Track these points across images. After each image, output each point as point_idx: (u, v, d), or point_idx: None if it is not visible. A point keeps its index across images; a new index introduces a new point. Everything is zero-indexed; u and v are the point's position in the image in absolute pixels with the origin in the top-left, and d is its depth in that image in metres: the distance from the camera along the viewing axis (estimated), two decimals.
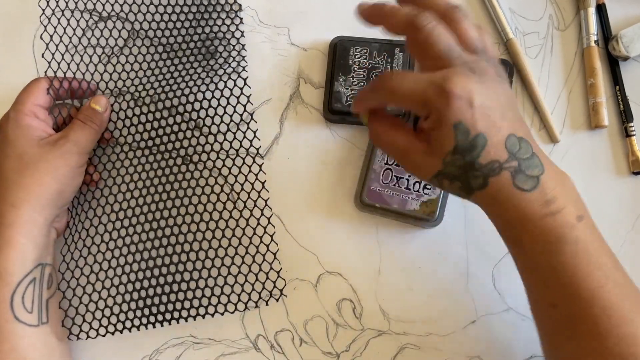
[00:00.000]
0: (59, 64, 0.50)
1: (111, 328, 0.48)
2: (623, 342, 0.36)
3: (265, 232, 0.49)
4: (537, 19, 0.53)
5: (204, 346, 0.50)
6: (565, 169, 0.51)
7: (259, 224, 0.49)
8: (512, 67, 0.51)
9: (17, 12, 0.55)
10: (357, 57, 0.50)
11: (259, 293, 0.49)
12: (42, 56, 0.50)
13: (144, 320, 0.48)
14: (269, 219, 0.49)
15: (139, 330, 0.48)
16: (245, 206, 0.49)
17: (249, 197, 0.49)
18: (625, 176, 0.51)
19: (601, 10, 0.53)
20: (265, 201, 0.49)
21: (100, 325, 0.48)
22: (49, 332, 0.44)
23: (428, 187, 0.49)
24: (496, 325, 0.49)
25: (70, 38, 0.52)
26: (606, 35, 0.52)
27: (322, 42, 0.53)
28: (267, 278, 0.49)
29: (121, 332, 0.48)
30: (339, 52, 0.51)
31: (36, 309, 0.43)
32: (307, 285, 0.50)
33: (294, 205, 0.51)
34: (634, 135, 0.51)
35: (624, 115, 0.51)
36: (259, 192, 0.49)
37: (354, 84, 0.50)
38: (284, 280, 0.50)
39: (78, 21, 0.52)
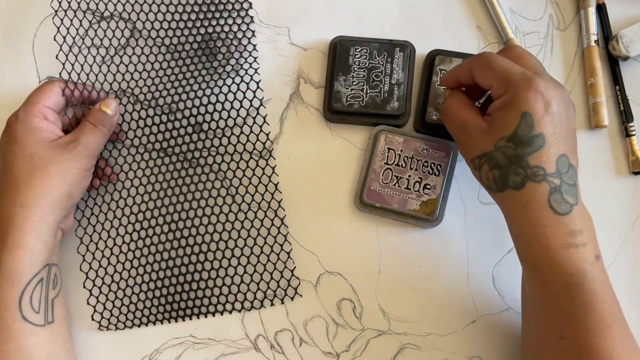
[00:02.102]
0: (72, 65, 0.51)
1: (133, 322, 0.50)
2: None
3: (279, 232, 0.50)
4: (537, 18, 0.53)
5: (204, 346, 0.50)
6: None
7: (272, 224, 0.50)
8: None
9: (16, 11, 0.54)
10: (357, 57, 0.50)
11: (274, 291, 0.49)
12: (57, 57, 0.51)
13: (165, 316, 0.50)
14: (282, 219, 0.50)
15: (155, 325, 0.50)
16: (259, 207, 0.50)
17: (262, 199, 0.50)
18: (625, 176, 0.51)
19: (601, 10, 0.53)
20: (279, 202, 0.50)
21: (123, 319, 0.50)
22: (54, 331, 0.44)
23: (428, 187, 0.49)
24: (496, 325, 0.49)
25: (74, 38, 0.52)
26: (606, 35, 0.52)
27: (322, 42, 0.53)
28: (282, 276, 0.49)
29: (138, 326, 0.50)
30: (339, 51, 0.51)
31: (43, 308, 0.43)
32: (307, 285, 0.50)
33: (294, 205, 0.51)
34: (634, 135, 0.51)
35: (624, 115, 0.51)
36: (272, 194, 0.50)
37: (353, 83, 0.50)
38: (298, 279, 0.50)
39: (81, 22, 0.53)
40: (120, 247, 0.50)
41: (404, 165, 0.49)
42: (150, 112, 0.51)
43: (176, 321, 0.50)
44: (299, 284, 0.50)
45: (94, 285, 0.50)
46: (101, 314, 0.50)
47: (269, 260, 0.50)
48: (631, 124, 0.51)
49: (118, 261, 0.50)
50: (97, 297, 0.50)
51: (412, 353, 0.49)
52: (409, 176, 0.49)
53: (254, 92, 0.52)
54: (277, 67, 0.53)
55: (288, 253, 0.50)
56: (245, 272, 0.50)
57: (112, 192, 0.51)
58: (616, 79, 0.52)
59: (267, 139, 0.51)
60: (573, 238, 0.38)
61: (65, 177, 0.44)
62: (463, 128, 0.42)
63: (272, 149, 0.51)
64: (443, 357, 0.49)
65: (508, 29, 0.52)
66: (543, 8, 0.53)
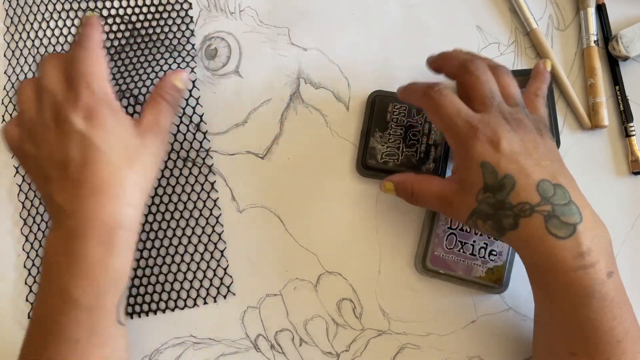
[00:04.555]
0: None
1: None
2: None
3: (213, 230, 0.50)
4: (537, 18, 0.53)
5: (204, 346, 0.50)
6: None
7: (207, 222, 0.50)
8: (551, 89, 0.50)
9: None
10: (395, 114, 0.50)
11: (207, 289, 0.50)
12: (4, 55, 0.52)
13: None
14: (217, 218, 0.50)
15: None
16: (195, 206, 0.51)
17: (198, 197, 0.51)
18: (625, 176, 0.51)
19: (601, 10, 0.53)
20: (214, 201, 0.50)
21: None
22: (125, 332, 0.42)
23: (494, 253, 0.47)
24: (496, 325, 0.49)
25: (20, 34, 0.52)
26: (606, 35, 0.52)
27: (321, 42, 0.53)
28: (215, 275, 0.50)
29: None
30: (377, 107, 0.50)
31: (123, 309, 0.41)
32: (307, 285, 0.50)
33: (294, 205, 0.51)
34: (634, 135, 0.51)
35: (624, 115, 0.51)
36: (208, 192, 0.51)
37: (390, 141, 0.49)
38: (231, 277, 0.50)
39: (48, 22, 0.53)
40: None
41: (468, 230, 0.48)
42: None
43: (132, 318, 0.50)
44: (232, 282, 0.50)
45: (35, 282, 0.50)
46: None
47: (202, 258, 0.50)
48: (631, 124, 0.51)
49: None
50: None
51: (412, 353, 0.49)
52: (474, 242, 0.48)
53: (190, 91, 0.52)
54: (277, 67, 0.53)
55: (222, 252, 0.50)
56: (179, 270, 0.50)
57: None
58: (616, 79, 0.52)
59: (204, 137, 0.51)
60: (581, 260, 0.37)
61: (157, 167, 0.41)
62: (441, 198, 0.42)
63: (209, 147, 0.51)
64: (443, 357, 0.49)
65: (531, 19, 0.52)
66: (543, 8, 0.53)
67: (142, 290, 0.50)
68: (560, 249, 0.38)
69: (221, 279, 0.50)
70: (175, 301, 0.50)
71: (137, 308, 0.50)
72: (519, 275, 0.49)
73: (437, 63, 0.45)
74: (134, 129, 0.40)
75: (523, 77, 0.47)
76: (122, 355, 0.41)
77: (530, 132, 0.40)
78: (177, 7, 0.53)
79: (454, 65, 0.43)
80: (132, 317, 0.50)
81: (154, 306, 0.50)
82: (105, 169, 0.38)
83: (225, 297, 0.50)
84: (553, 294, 0.39)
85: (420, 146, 0.49)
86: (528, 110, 0.42)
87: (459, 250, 0.48)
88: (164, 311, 0.50)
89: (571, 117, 0.52)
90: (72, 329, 0.37)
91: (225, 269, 0.50)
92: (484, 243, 0.48)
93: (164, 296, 0.50)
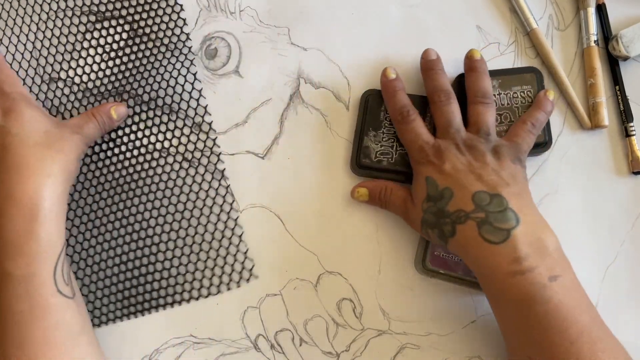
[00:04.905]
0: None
1: (95, 321, 0.50)
2: None
3: (229, 217, 0.51)
4: (537, 18, 0.53)
5: (204, 346, 0.50)
6: (565, 169, 0.51)
7: (222, 209, 0.51)
8: (539, 74, 0.50)
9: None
10: (388, 112, 0.49)
11: (230, 275, 0.50)
12: None
13: (124, 312, 0.50)
14: (231, 204, 0.51)
15: (114, 322, 0.50)
16: (207, 195, 0.51)
17: (210, 186, 0.51)
18: (625, 176, 0.51)
19: (601, 10, 0.53)
20: (227, 188, 0.51)
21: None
22: (80, 304, 0.44)
23: None
24: (496, 325, 0.49)
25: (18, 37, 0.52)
26: (606, 35, 0.52)
27: (322, 41, 0.53)
28: (235, 260, 0.50)
29: (99, 325, 0.50)
30: (370, 106, 0.50)
31: (69, 280, 0.43)
32: (307, 285, 0.50)
33: (294, 205, 0.51)
34: (634, 135, 0.51)
35: (624, 115, 0.51)
36: (219, 181, 0.51)
37: (384, 139, 0.49)
38: (252, 260, 0.50)
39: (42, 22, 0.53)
40: (73, 247, 0.51)
41: None
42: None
43: (135, 316, 0.50)
44: (253, 265, 0.50)
45: None
46: None
47: (220, 245, 0.50)
48: (631, 124, 0.51)
49: (72, 261, 0.51)
50: None
51: (412, 353, 0.49)
52: None
53: (192, 83, 0.52)
54: (277, 68, 0.53)
55: (239, 236, 0.50)
56: (198, 259, 0.50)
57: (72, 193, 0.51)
58: (616, 79, 0.52)
59: (210, 128, 0.51)
60: (518, 265, 0.39)
61: (76, 155, 0.45)
62: (403, 208, 0.47)
63: (215, 139, 0.52)
64: (443, 357, 0.49)
65: (531, 19, 0.52)
66: (543, 8, 0.53)
67: (163, 283, 0.50)
68: (496, 254, 0.39)
69: (242, 263, 0.50)
70: (199, 290, 0.50)
71: (162, 301, 0.50)
72: None
73: (425, 70, 0.49)
74: (54, 121, 0.45)
75: (510, 75, 0.49)
76: (73, 326, 0.42)
77: (480, 154, 0.44)
78: (169, 10, 0.53)
79: (428, 88, 0.48)
80: (157, 310, 0.50)
81: (177, 297, 0.50)
82: (21, 150, 0.42)
83: (248, 280, 0.50)
84: (497, 300, 0.41)
85: None
86: (507, 137, 0.46)
87: None
88: (188, 301, 0.50)
89: (571, 117, 0.52)
90: (14, 303, 0.40)
91: (245, 253, 0.50)
92: None
93: (187, 286, 0.50)
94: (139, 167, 0.51)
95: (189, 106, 0.52)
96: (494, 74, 0.49)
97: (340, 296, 0.50)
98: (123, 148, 0.51)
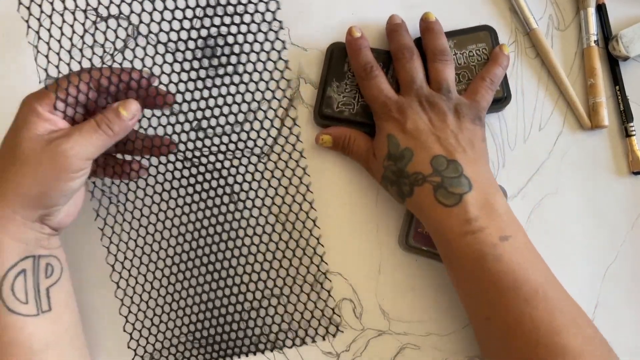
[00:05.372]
0: (57, 67, 0.47)
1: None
2: (552, 353, 0.38)
3: (318, 269, 0.50)
4: (537, 18, 0.53)
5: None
6: (565, 168, 0.51)
7: (312, 262, 0.49)
8: (493, 31, 0.50)
9: (16, 11, 0.54)
10: (352, 68, 0.50)
11: (316, 329, 0.49)
12: (35, 60, 0.51)
13: (206, 357, 0.49)
14: (321, 257, 0.50)
15: None
16: (297, 245, 0.50)
17: (300, 236, 0.50)
18: (625, 176, 0.51)
19: (601, 10, 0.53)
20: (317, 239, 0.50)
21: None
22: (54, 319, 0.43)
23: None
24: None
25: (70, 39, 0.52)
26: (606, 35, 0.52)
27: (322, 42, 0.53)
28: (323, 315, 0.49)
29: None
30: (334, 57, 0.51)
31: (32, 298, 0.42)
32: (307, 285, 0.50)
33: (294, 205, 0.51)
34: (634, 135, 0.51)
35: (624, 115, 0.51)
36: (310, 230, 0.50)
37: (346, 90, 0.50)
38: (339, 316, 0.50)
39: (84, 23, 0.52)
40: (151, 282, 0.49)
41: None
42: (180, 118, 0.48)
43: None
44: (340, 321, 0.49)
45: (130, 312, 0.49)
46: (137, 340, 0.49)
47: (309, 299, 0.49)
48: (631, 124, 0.51)
49: (150, 297, 0.49)
50: (133, 324, 0.49)
51: (412, 353, 0.49)
52: None
53: (284, 90, 0.51)
54: (278, 67, 0.53)
55: (328, 291, 0.49)
56: (285, 311, 0.49)
57: (147, 226, 0.49)
58: (616, 79, 0.52)
59: (304, 172, 0.50)
60: (468, 226, 0.41)
61: (36, 177, 0.40)
62: (366, 158, 0.48)
63: (309, 182, 0.50)
64: (443, 357, 0.49)
65: (531, 19, 0.52)
66: (543, 8, 0.53)
67: (249, 331, 0.49)
68: (448, 215, 0.42)
69: (330, 318, 0.49)
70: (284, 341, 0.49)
71: (244, 349, 0.49)
72: None
73: (390, 31, 0.50)
74: (35, 136, 0.41)
75: (464, 35, 0.50)
76: (31, 345, 0.41)
77: (442, 113, 0.45)
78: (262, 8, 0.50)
79: (392, 46, 0.49)
80: (239, 357, 0.49)
81: (261, 346, 0.49)
82: None
83: (334, 335, 0.49)
84: (451, 260, 0.43)
85: None
86: (466, 95, 0.47)
87: None
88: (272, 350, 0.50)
89: (571, 117, 0.52)
90: None
91: (333, 309, 0.50)
92: None
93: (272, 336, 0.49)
94: (224, 209, 0.49)
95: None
96: (449, 34, 0.50)
97: (340, 296, 0.50)
98: (206, 186, 0.49)
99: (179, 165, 0.49)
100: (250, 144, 0.50)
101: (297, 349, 0.49)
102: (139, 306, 0.49)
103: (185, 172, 0.49)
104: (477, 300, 0.42)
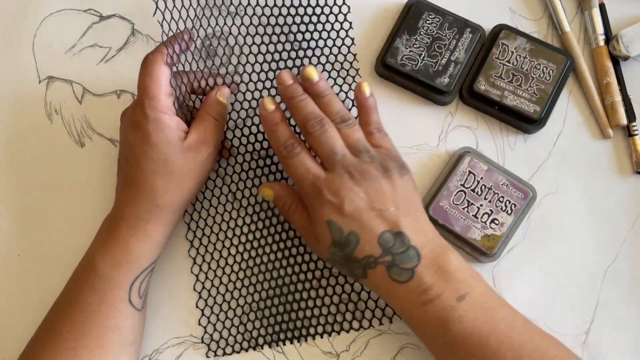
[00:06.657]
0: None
1: (245, 344, 0.49)
2: None
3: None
4: (537, 18, 0.53)
5: (204, 346, 0.50)
6: (566, 168, 0.51)
7: None
8: (571, 62, 0.50)
9: (16, 10, 0.55)
10: (427, 22, 0.50)
11: (383, 309, 0.49)
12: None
13: (273, 338, 0.49)
14: None
15: (262, 348, 0.49)
16: None
17: None
18: (629, 176, 0.51)
19: (601, 10, 0.52)
20: None
21: (232, 342, 0.50)
22: (143, 317, 0.47)
23: (496, 222, 0.48)
24: None
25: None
26: (606, 35, 0.52)
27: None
28: (377, 306, 0.49)
29: (246, 350, 0.49)
30: (412, 11, 0.50)
31: (144, 295, 0.46)
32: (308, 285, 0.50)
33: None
34: (636, 134, 0.51)
35: (627, 114, 0.51)
36: None
37: (414, 46, 0.50)
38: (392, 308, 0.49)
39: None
40: (230, 267, 0.50)
41: (479, 193, 0.48)
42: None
43: (284, 344, 0.49)
44: (394, 314, 0.49)
45: (206, 305, 0.50)
46: (211, 335, 0.49)
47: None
48: (634, 124, 0.51)
49: (223, 283, 0.50)
50: (208, 318, 0.49)
51: (412, 353, 0.49)
52: (481, 205, 0.48)
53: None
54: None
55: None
56: (352, 290, 0.49)
57: (222, 213, 0.51)
58: (618, 78, 0.51)
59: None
60: (425, 295, 0.41)
61: (197, 182, 0.46)
62: (304, 236, 0.46)
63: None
64: None
65: (564, 22, 0.52)
66: (543, 8, 0.53)
67: (308, 313, 0.49)
68: (405, 291, 0.41)
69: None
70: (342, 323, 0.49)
71: (304, 331, 0.49)
72: (518, 275, 0.49)
73: (285, 98, 0.45)
74: (179, 147, 0.44)
75: (543, 47, 0.50)
76: (127, 335, 0.45)
77: (375, 180, 0.42)
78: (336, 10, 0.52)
79: (297, 119, 0.45)
80: (298, 341, 0.49)
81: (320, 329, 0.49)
82: (139, 174, 0.44)
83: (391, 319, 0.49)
84: (416, 328, 0.43)
85: (441, 59, 0.50)
86: (373, 148, 0.44)
87: (463, 209, 0.48)
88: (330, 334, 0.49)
89: (572, 117, 0.52)
90: (88, 294, 0.44)
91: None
92: (490, 210, 0.48)
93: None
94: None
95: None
96: (529, 37, 0.50)
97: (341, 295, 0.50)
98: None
99: (255, 155, 0.51)
100: None
101: (297, 348, 0.49)
102: (212, 282, 0.50)
103: (260, 162, 0.51)
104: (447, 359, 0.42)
